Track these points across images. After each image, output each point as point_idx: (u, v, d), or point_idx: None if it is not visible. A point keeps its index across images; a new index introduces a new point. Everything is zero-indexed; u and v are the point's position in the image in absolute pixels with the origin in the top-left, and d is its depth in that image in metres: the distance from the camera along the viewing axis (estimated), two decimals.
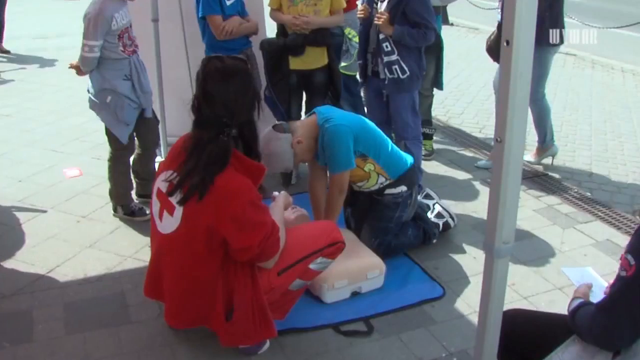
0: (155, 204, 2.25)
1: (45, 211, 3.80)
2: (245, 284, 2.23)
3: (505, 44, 1.11)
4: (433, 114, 6.17)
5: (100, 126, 3.64)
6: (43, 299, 2.90)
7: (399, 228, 3.29)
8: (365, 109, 4.47)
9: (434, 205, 3.66)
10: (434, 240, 3.48)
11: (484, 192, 4.23)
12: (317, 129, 3.01)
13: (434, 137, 5.12)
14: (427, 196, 3.72)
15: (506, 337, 1.73)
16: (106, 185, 3.76)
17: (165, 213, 2.18)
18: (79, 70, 3.48)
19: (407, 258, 3.34)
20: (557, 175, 4.60)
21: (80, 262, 3.23)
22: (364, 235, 3.25)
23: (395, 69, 3.76)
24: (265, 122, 3.04)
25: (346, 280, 2.87)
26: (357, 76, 4.45)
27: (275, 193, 2.73)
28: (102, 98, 3.43)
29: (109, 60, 3.39)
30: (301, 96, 4.26)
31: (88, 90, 3.52)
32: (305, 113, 4.36)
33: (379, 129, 3.24)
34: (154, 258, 2.35)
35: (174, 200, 2.12)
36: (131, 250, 3.32)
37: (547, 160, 4.84)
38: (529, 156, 4.77)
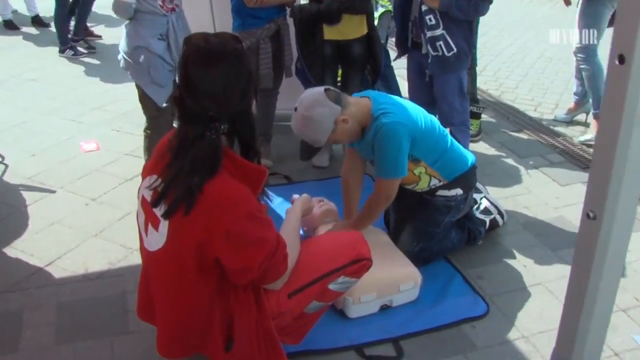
0: (141, 214, 1.88)
1: (54, 191, 3.52)
2: (249, 309, 1.86)
3: (616, 61, 0.66)
4: (485, 87, 5.69)
5: (125, 94, 3.32)
6: (37, 297, 2.62)
7: (445, 234, 2.88)
8: (407, 88, 3.98)
9: (480, 199, 3.22)
10: (480, 242, 3.06)
11: (540, 183, 3.76)
12: (369, 118, 2.54)
13: (483, 116, 4.62)
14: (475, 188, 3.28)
15: None
16: (122, 162, 3.46)
17: (150, 227, 1.81)
18: None
19: (447, 263, 2.92)
20: None
21: (83, 254, 2.93)
22: (404, 237, 2.84)
23: (440, 45, 3.25)
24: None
25: (375, 293, 2.49)
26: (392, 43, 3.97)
27: (295, 196, 2.35)
28: (136, 57, 3.13)
29: (146, 14, 3.08)
30: (336, 70, 3.83)
31: (120, 50, 3.22)
32: (341, 89, 3.93)
33: (437, 122, 2.77)
34: (144, 276, 2.00)
35: (158, 212, 1.74)
36: (139, 242, 2.99)
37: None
38: (589, 135, 4.45)
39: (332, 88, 2.55)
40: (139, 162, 3.70)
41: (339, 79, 3.95)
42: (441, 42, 3.25)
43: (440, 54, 3.28)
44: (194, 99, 1.66)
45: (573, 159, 4.11)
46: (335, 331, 2.44)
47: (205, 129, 1.66)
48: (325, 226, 2.83)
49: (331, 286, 2.05)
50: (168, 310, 1.86)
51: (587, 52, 4.29)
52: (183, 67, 1.68)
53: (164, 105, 3.24)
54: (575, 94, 4.73)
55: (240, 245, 1.69)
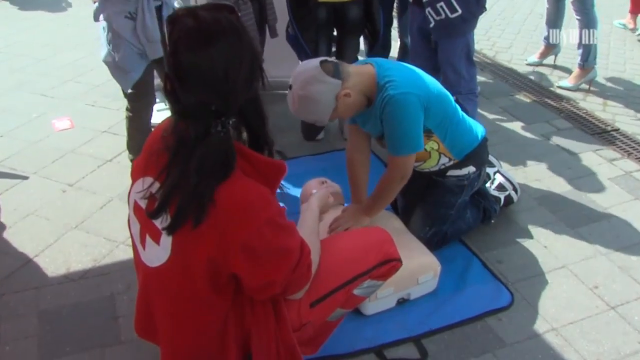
0: (134, 222, 1.58)
1: (26, 177, 3.20)
2: (267, 323, 1.61)
3: None
4: (478, 47, 5.42)
5: (99, 63, 3.01)
6: (14, 305, 2.34)
7: (459, 214, 2.65)
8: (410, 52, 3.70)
9: (494, 174, 2.99)
10: (493, 220, 2.85)
11: (548, 152, 3.54)
12: (374, 87, 2.24)
13: (480, 78, 4.37)
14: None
15: None
16: (99, 141, 3.17)
17: (148, 239, 1.53)
18: None
19: (462, 246, 2.71)
20: (628, 130, 3.86)
21: (63, 250, 2.64)
22: (414, 222, 2.60)
23: (441, 7, 2.96)
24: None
25: (392, 288, 2.26)
26: None
27: (314, 191, 2.08)
28: (105, 33, 2.79)
29: None
30: (331, 35, 3.52)
31: None
32: (337, 55, 3.64)
33: (446, 91, 2.47)
34: (142, 292, 1.71)
35: (158, 224, 1.44)
36: (125, 234, 2.69)
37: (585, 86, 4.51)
38: (565, 81, 4.54)
39: (328, 59, 2.22)
40: (119, 140, 3.40)
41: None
42: (442, 3, 2.95)
43: (444, 16, 2.99)
44: (190, 92, 1.34)
45: (580, 124, 3.90)
46: (351, 332, 2.21)
47: (208, 125, 1.36)
48: (332, 210, 2.58)
49: (356, 291, 1.81)
50: (175, 333, 1.59)
51: (583, 3, 4.24)
52: (172, 55, 1.33)
53: (130, 91, 2.92)
54: (545, 38, 4.83)
55: (261, 259, 1.42)
